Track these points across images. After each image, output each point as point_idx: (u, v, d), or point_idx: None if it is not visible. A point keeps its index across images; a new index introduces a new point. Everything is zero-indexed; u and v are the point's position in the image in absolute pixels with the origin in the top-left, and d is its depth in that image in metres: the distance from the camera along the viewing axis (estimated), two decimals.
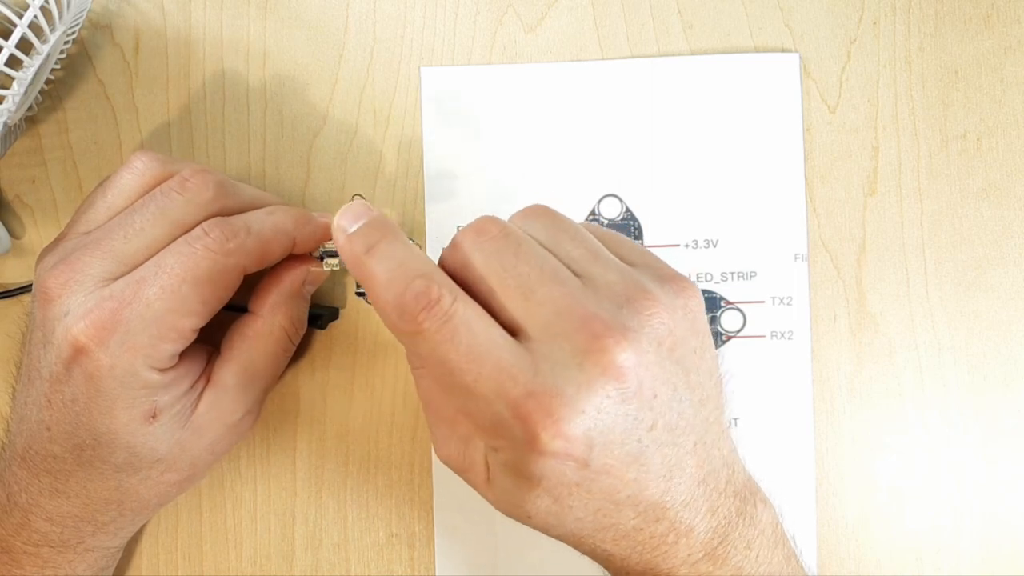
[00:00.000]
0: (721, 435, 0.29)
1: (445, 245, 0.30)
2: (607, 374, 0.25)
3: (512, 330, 0.26)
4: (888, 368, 0.38)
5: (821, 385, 0.38)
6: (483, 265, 0.27)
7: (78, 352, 0.29)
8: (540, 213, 0.29)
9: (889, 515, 0.38)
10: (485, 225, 0.28)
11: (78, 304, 0.29)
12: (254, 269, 0.32)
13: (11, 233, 0.38)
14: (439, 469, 0.38)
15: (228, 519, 0.38)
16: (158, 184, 0.32)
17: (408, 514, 0.38)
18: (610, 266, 0.28)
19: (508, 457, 0.27)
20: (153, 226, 0.30)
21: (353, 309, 0.38)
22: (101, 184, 0.33)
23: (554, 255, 0.28)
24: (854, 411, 0.38)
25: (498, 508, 0.29)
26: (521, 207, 0.30)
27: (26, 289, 0.38)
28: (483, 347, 0.25)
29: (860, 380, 0.38)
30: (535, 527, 0.28)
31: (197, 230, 0.30)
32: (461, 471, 0.30)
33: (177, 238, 0.30)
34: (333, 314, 0.38)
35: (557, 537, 0.28)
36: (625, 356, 0.25)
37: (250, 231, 0.31)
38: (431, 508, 0.38)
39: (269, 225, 0.32)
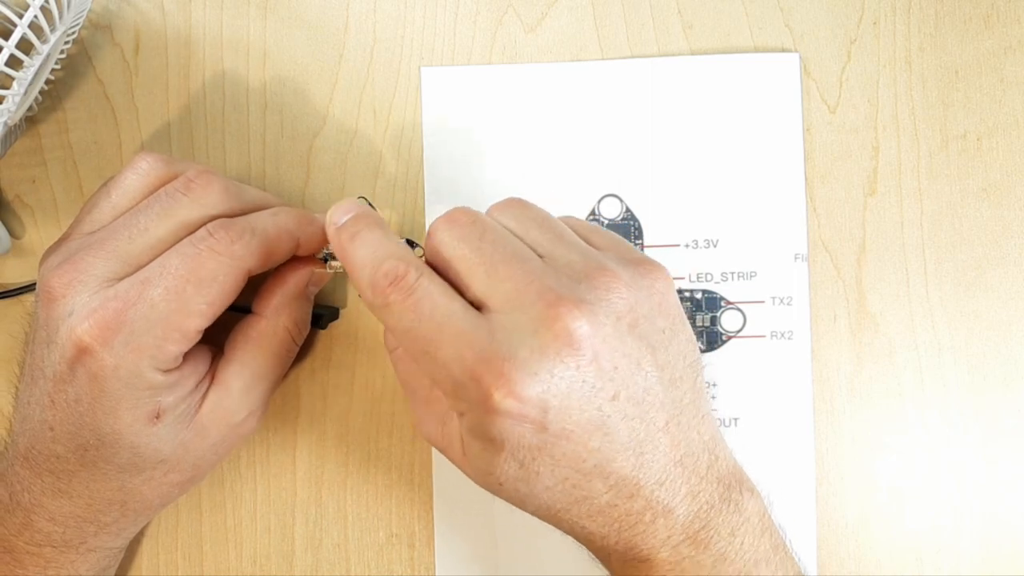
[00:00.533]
0: (700, 419, 0.29)
1: None
2: (559, 340, 0.26)
3: (478, 306, 0.28)
4: (888, 368, 0.38)
5: (821, 385, 0.38)
6: (452, 248, 0.29)
7: (82, 352, 0.29)
8: (512, 204, 0.31)
9: (889, 515, 0.38)
10: (456, 214, 0.29)
11: (82, 304, 0.29)
12: (259, 270, 0.32)
13: (11, 233, 0.38)
14: (439, 469, 0.38)
15: (228, 519, 0.38)
16: (162, 185, 0.32)
17: (408, 514, 0.38)
18: (573, 247, 0.29)
19: (471, 421, 0.28)
20: (158, 226, 0.30)
21: (353, 309, 0.38)
22: (105, 184, 0.33)
23: (521, 240, 0.29)
24: (854, 411, 0.38)
25: (476, 480, 0.30)
26: None
27: (28, 289, 0.38)
28: (443, 316, 0.27)
29: (860, 380, 0.38)
30: (509, 498, 0.29)
31: (201, 231, 0.30)
32: (442, 448, 0.31)
33: (182, 239, 0.31)
34: (333, 314, 0.38)
35: (534, 511, 0.29)
36: (578, 325, 0.26)
37: (255, 232, 0.31)
38: (431, 508, 0.38)
39: (273, 226, 0.32)
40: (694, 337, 0.30)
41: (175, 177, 0.32)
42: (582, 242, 0.30)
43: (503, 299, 0.27)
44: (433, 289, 0.28)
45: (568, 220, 0.31)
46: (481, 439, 0.28)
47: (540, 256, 0.29)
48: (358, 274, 0.29)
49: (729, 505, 0.29)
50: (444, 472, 0.38)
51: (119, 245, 0.30)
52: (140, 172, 0.32)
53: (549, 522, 0.29)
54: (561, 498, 0.28)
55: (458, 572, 0.38)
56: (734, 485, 0.29)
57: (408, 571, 0.38)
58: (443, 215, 0.30)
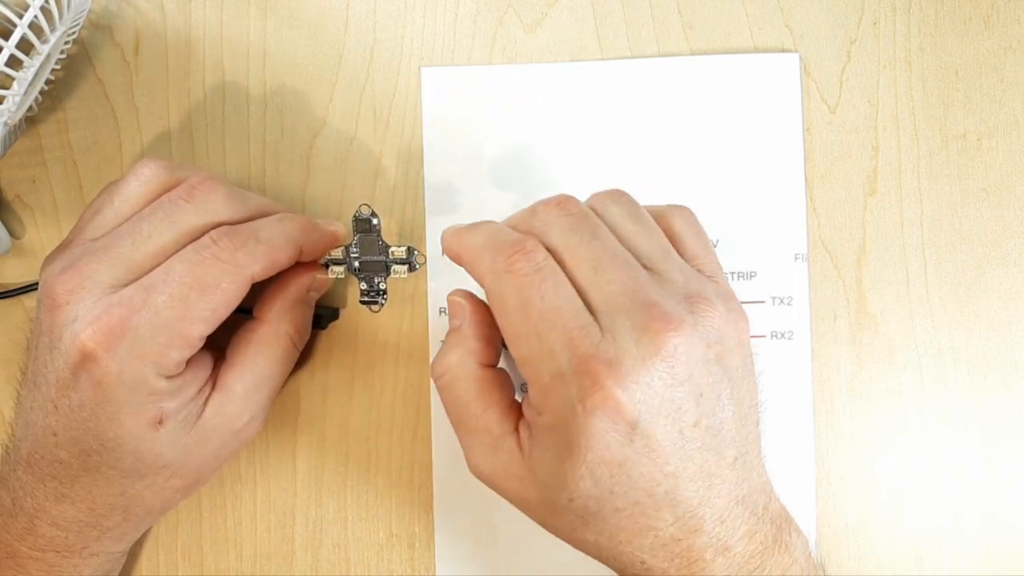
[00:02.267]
0: (759, 458, 0.29)
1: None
2: (660, 354, 0.26)
3: None
4: (888, 368, 0.38)
5: (821, 385, 0.38)
6: (560, 236, 0.28)
7: (86, 358, 0.29)
8: (622, 201, 0.31)
9: (889, 515, 0.38)
10: (569, 204, 0.29)
11: (86, 310, 0.29)
12: (262, 277, 0.32)
13: (11, 233, 0.38)
14: (439, 469, 0.38)
15: (228, 519, 0.38)
16: (165, 191, 0.32)
17: (408, 514, 0.38)
18: (676, 266, 0.29)
19: (552, 420, 0.27)
20: (161, 233, 0.30)
21: (353, 309, 0.38)
22: (107, 190, 0.33)
23: (627, 244, 0.29)
24: (854, 411, 0.38)
25: (539, 503, 0.29)
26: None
27: (28, 289, 0.38)
28: (563, 301, 0.27)
29: (860, 380, 0.38)
30: (571, 523, 0.28)
31: (205, 238, 0.30)
32: (494, 480, 0.30)
33: (185, 245, 0.30)
34: (333, 314, 0.38)
35: (596, 539, 0.28)
36: (677, 342, 0.26)
37: (259, 239, 0.31)
38: (431, 508, 0.38)
39: (277, 233, 0.32)
40: (757, 381, 0.30)
41: (178, 183, 0.32)
42: (685, 263, 0.30)
43: (605, 300, 0.27)
44: (558, 274, 0.28)
45: (682, 230, 0.31)
46: (559, 445, 0.27)
47: (644, 265, 0.29)
48: (476, 247, 0.29)
49: (780, 546, 0.29)
50: (444, 472, 0.38)
51: (123, 252, 0.30)
52: (142, 178, 0.32)
53: (608, 560, 0.29)
54: (628, 525, 0.27)
55: (458, 572, 0.38)
56: (784, 526, 0.29)
57: (408, 571, 0.38)
58: (551, 200, 0.29)
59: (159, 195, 0.32)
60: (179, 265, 0.30)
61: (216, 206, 0.31)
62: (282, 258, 0.32)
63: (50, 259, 0.31)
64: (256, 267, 0.31)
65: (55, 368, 0.30)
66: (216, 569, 0.38)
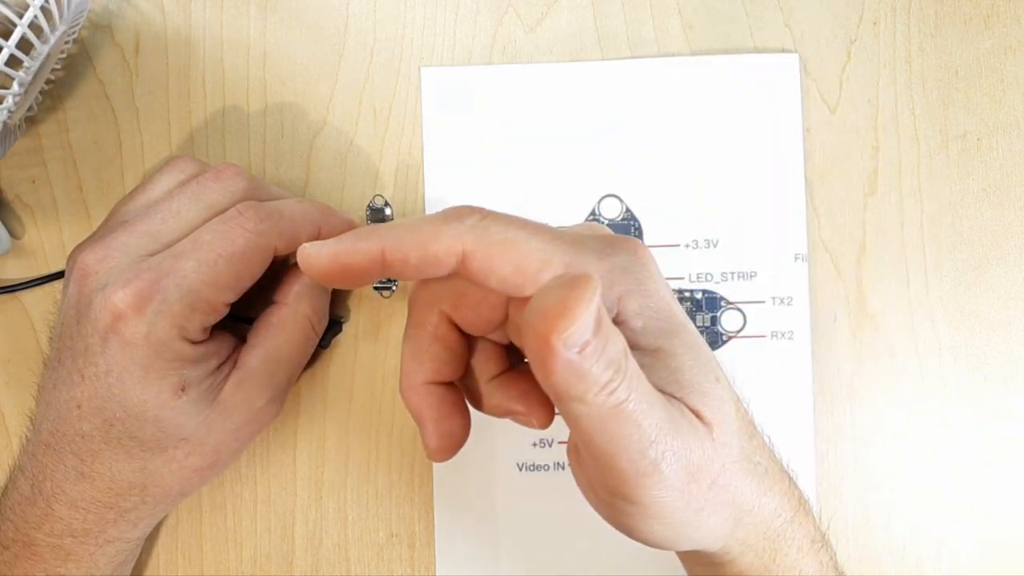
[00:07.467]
0: None
1: None
2: None
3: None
4: (888, 368, 0.38)
5: (821, 385, 0.38)
6: None
7: (116, 319, 0.30)
8: None
9: (889, 515, 0.38)
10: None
11: (116, 275, 0.30)
12: (283, 252, 0.33)
13: (11, 233, 0.38)
14: (439, 469, 0.38)
15: (228, 519, 0.38)
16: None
17: (408, 514, 0.38)
18: None
19: None
20: (189, 209, 0.32)
21: (354, 311, 0.38)
22: (140, 182, 0.34)
23: None
24: (854, 411, 0.38)
25: None
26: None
27: (55, 277, 0.38)
28: None
29: (860, 380, 0.38)
30: None
31: (232, 211, 0.32)
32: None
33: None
34: (336, 329, 0.38)
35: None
36: None
37: (282, 214, 0.33)
38: (431, 508, 0.38)
39: (299, 211, 0.33)
40: None
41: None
42: None
43: None
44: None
45: None
46: None
47: None
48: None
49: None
50: (444, 472, 0.38)
51: (152, 226, 0.31)
52: (175, 170, 0.34)
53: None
54: None
55: (458, 572, 0.38)
56: None
57: (408, 571, 0.38)
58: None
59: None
60: (206, 235, 0.31)
61: (241, 187, 0.33)
62: (302, 235, 0.33)
63: (80, 244, 0.32)
64: (278, 239, 0.32)
65: (83, 336, 0.30)
66: (216, 569, 0.38)
